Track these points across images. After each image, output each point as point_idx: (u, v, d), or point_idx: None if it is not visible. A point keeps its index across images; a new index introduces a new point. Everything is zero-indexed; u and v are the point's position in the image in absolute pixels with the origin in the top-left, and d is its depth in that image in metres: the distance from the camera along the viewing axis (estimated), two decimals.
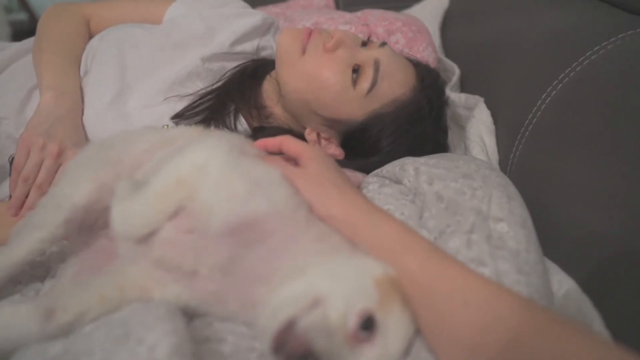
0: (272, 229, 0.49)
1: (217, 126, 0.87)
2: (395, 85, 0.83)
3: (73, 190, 0.57)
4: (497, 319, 0.41)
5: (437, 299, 0.45)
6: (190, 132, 0.67)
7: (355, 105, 0.83)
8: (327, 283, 0.45)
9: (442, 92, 0.92)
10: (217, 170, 0.50)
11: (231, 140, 0.59)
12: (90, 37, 0.99)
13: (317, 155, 0.59)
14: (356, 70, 0.81)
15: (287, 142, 0.61)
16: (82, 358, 0.39)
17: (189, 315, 0.52)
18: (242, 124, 0.90)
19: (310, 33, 0.84)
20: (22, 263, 0.55)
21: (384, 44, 0.85)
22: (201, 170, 0.50)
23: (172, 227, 0.50)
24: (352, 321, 0.43)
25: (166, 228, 0.50)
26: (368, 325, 0.43)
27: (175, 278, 0.51)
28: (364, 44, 0.85)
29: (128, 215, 0.50)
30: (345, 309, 0.43)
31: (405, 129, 0.84)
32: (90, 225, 0.61)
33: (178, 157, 0.52)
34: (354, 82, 0.81)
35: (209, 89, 0.89)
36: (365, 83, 0.81)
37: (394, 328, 0.45)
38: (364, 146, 0.85)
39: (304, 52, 0.83)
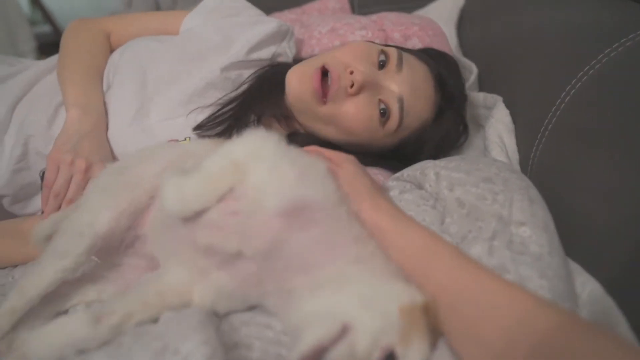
0: (317, 218, 0.51)
1: (239, 135, 0.88)
2: (420, 113, 0.86)
3: (93, 218, 0.59)
4: (525, 324, 0.41)
5: (465, 304, 0.45)
6: (208, 144, 0.69)
7: (385, 140, 0.87)
8: (358, 311, 0.46)
9: (460, 78, 0.94)
10: (271, 156, 0.54)
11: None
12: (111, 51, 1.01)
13: (354, 160, 0.63)
14: (383, 112, 0.82)
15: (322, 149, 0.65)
16: None
17: (219, 316, 0.54)
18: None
19: (319, 78, 0.82)
20: (44, 293, 0.56)
21: (400, 61, 0.84)
22: (255, 155, 0.53)
23: (218, 209, 0.53)
24: (375, 356, 0.44)
25: (212, 210, 0.53)
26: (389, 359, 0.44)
27: (218, 263, 0.53)
28: (382, 64, 0.84)
29: (181, 191, 0.52)
30: (371, 344, 0.44)
31: (430, 133, 0.87)
32: (116, 247, 0.63)
33: (232, 143, 0.56)
34: (382, 124, 0.83)
35: (228, 97, 0.91)
36: (392, 124, 0.84)
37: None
38: (389, 156, 0.90)
39: (324, 100, 0.82)
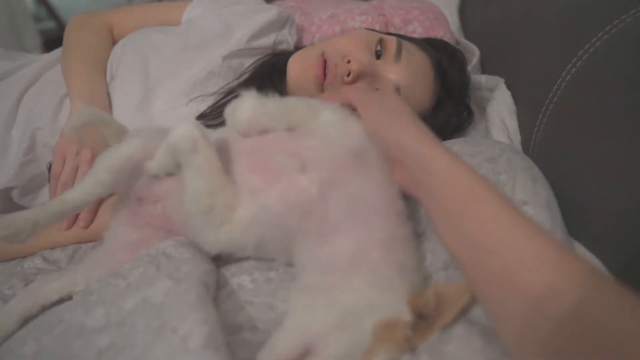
0: (372, 175, 0.54)
1: None
2: (418, 103, 0.85)
3: (121, 145, 0.61)
4: (569, 281, 0.39)
5: (508, 252, 0.42)
6: None
7: None
8: (331, 330, 0.44)
9: (462, 71, 0.93)
10: (340, 111, 0.59)
11: None
12: (114, 43, 1.02)
13: (397, 95, 0.67)
14: None
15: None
16: (126, 350, 0.42)
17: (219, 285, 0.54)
18: None
19: (322, 66, 0.82)
20: (79, 205, 0.59)
21: (399, 50, 0.83)
22: (326, 108, 0.58)
23: (289, 134, 0.57)
24: None
25: (280, 132, 0.57)
26: None
27: (270, 181, 0.54)
28: (379, 54, 0.83)
29: (259, 105, 0.56)
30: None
31: (430, 122, 0.86)
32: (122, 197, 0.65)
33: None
34: None
35: (230, 85, 0.91)
36: None
37: None
38: None
39: (321, 88, 0.83)
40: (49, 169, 0.83)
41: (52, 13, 2.55)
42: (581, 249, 0.58)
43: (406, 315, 0.45)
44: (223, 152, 0.56)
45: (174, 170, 0.53)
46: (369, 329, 0.44)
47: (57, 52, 1.05)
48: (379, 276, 0.48)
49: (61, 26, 2.55)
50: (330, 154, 0.55)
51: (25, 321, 0.56)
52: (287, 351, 0.43)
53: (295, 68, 0.86)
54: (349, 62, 0.80)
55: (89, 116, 0.69)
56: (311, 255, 0.50)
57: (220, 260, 0.59)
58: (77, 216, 0.79)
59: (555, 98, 0.76)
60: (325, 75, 0.82)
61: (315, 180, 0.52)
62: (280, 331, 0.45)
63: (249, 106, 0.56)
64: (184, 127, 0.52)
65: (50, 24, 2.60)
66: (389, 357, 0.45)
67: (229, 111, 0.58)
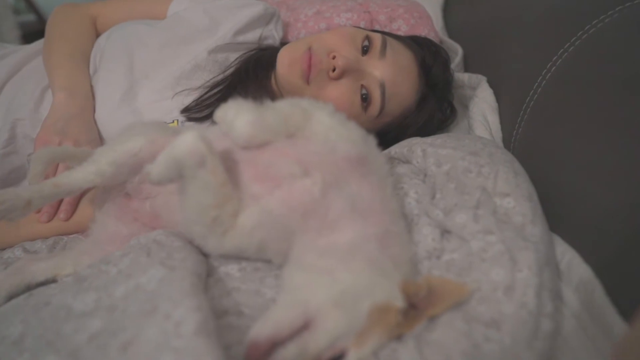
0: (370, 179, 0.55)
1: None
2: (402, 99, 0.86)
3: (126, 139, 0.61)
4: None
5: None
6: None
7: (367, 126, 0.87)
8: (329, 308, 0.45)
9: (446, 68, 0.94)
10: (333, 111, 0.60)
11: None
12: (97, 35, 1.01)
13: None
14: (364, 97, 0.83)
15: None
16: (118, 334, 0.41)
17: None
18: None
19: (309, 59, 0.83)
20: (73, 190, 0.59)
21: (383, 46, 0.84)
22: (319, 107, 0.59)
23: (287, 142, 0.57)
24: (325, 357, 0.44)
25: (281, 140, 0.57)
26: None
27: (272, 188, 0.54)
28: (365, 50, 0.84)
29: (258, 120, 0.55)
30: (326, 346, 0.44)
31: (413, 118, 0.88)
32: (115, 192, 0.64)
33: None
34: (364, 109, 0.84)
35: (216, 79, 0.91)
36: (374, 109, 0.84)
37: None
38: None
39: (307, 81, 0.83)
40: (30, 161, 0.82)
41: (31, 6, 2.50)
42: (561, 243, 0.59)
43: (399, 302, 0.46)
44: (225, 161, 0.55)
45: (175, 181, 0.52)
46: (365, 311, 0.45)
47: (38, 43, 1.03)
48: (376, 264, 0.49)
49: (41, 19, 2.50)
50: (332, 157, 0.55)
51: (10, 298, 0.56)
52: (287, 322, 0.44)
53: (284, 61, 0.86)
54: (334, 57, 0.81)
55: (50, 156, 0.67)
56: (310, 243, 0.51)
57: None
58: (57, 208, 0.78)
59: (536, 96, 0.77)
60: (310, 69, 0.82)
61: (318, 181, 0.53)
62: (278, 304, 0.45)
63: (248, 121, 0.55)
64: (190, 141, 0.50)
65: (29, 17, 2.55)
66: (380, 341, 0.46)
67: (223, 119, 0.56)
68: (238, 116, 0.55)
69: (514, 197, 0.59)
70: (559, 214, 0.63)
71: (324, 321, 0.44)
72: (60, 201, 0.78)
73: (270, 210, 0.52)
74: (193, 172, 0.50)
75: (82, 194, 0.78)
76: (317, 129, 0.57)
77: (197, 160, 0.50)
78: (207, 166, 0.50)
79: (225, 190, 0.51)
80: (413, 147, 0.73)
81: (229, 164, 0.56)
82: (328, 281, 0.47)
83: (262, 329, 0.43)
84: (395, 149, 0.77)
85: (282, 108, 0.58)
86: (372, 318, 0.45)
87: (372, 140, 0.61)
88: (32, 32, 2.09)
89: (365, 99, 0.83)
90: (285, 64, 0.85)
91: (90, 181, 0.59)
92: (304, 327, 0.44)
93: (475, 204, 0.59)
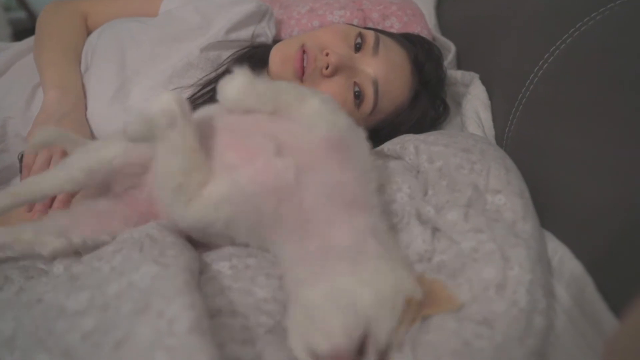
0: (353, 164, 0.55)
1: None
2: (395, 97, 0.86)
3: (102, 146, 0.61)
4: None
5: None
6: None
7: (360, 123, 0.86)
8: (374, 308, 0.44)
9: (439, 66, 0.94)
10: (327, 99, 0.59)
11: None
12: (88, 33, 1.00)
13: None
14: (357, 95, 0.83)
15: None
16: (110, 332, 0.41)
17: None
18: None
19: (302, 57, 0.83)
20: (48, 193, 0.60)
21: (376, 44, 0.85)
22: (315, 93, 0.58)
23: (271, 117, 0.56)
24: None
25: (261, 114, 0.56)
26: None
27: (245, 160, 0.53)
28: (358, 47, 0.84)
29: (249, 85, 0.55)
30: (384, 344, 0.44)
31: (406, 116, 0.88)
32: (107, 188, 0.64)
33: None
34: (357, 106, 0.84)
35: (208, 77, 0.91)
36: (367, 107, 0.84)
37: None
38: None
39: (301, 79, 0.83)
40: (21, 160, 0.81)
41: (22, 3, 2.48)
42: (553, 239, 0.60)
43: (418, 294, 0.47)
44: (203, 127, 0.56)
45: (149, 140, 0.52)
46: (400, 307, 0.45)
47: (29, 41, 1.03)
48: (386, 258, 0.49)
49: (31, 16, 2.48)
50: (309, 139, 0.55)
51: None
52: (348, 333, 0.42)
53: (277, 59, 0.86)
54: (327, 54, 0.81)
55: (51, 135, 0.67)
56: (301, 252, 0.50)
57: (200, 247, 0.59)
58: (50, 207, 0.77)
59: (528, 93, 0.78)
60: (303, 68, 0.82)
61: (289, 165, 0.52)
62: (327, 313, 0.44)
63: (238, 84, 0.55)
64: (164, 100, 0.50)
65: (20, 14, 2.53)
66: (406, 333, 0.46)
67: (220, 85, 0.57)
68: (232, 80, 0.55)
69: (505, 193, 0.59)
70: (551, 210, 0.63)
71: (377, 326, 0.44)
72: (53, 199, 0.77)
73: (242, 186, 0.51)
74: (163, 132, 0.50)
75: (74, 195, 0.77)
76: (305, 111, 0.57)
77: (168, 120, 0.50)
78: (177, 127, 0.50)
79: (195, 156, 0.51)
80: (405, 143, 0.73)
81: (208, 129, 0.56)
82: (357, 284, 0.46)
83: (338, 337, 0.42)
84: (388, 146, 0.78)
85: (279, 83, 0.59)
86: (403, 312, 0.45)
87: (360, 132, 0.61)
88: (23, 30, 2.07)
89: (358, 96, 0.83)
90: (278, 62, 0.85)
91: (59, 187, 0.59)
92: (364, 336, 0.43)
93: (467, 202, 0.59)
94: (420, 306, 0.47)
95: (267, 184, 0.51)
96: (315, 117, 0.57)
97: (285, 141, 0.54)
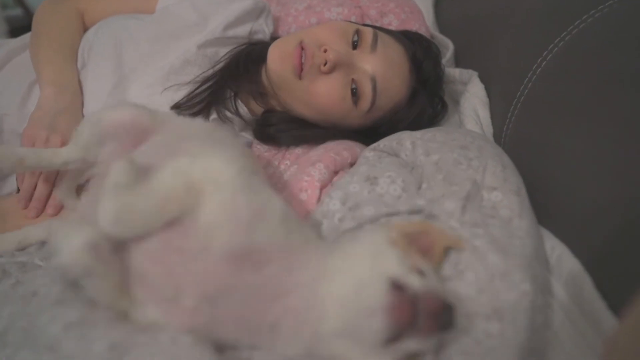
0: (271, 257, 0.47)
1: (218, 111, 0.88)
2: (393, 94, 0.86)
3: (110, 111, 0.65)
4: None
5: None
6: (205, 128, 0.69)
7: (358, 120, 0.88)
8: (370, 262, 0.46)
9: (437, 63, 0.94)
10: (229, 186, 0.47)
11: (244, 156, 0.61)
12: (85, 30, 1.00)
13: None
14: (355, 92, 0.83)
15: None
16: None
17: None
18: (242, 107, 0.92)
19: (300, 54, 0.82)
20: (68, 163, 0.65)
21: (374, 41, 0.84)
22: (212, 180, 0.47)
23: (162, 239, 0.46)
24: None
25: (154, 238, 0.46)
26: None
27: (157, 299, 0.47)
28: (356, 44, 0.84)
29: (125, 211, 0.44)
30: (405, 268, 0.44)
31: (404, 113, 0.88)
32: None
33: (190, 160, 0.49)
34: (355, 103, 0.84)
35: (205, 74, 0.90)
36: (365, 104, 0.84)
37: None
38: (364, 133, 0.90)
39: (299, 76, 0.83)
40: None
41: (19, 0, 2.47)
42: (551, 237, 0.60)
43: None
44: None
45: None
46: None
47: (24, 38, 1.02)
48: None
49: (28, 13, 2.46)
50: (206, 266, 0.46)
51: None
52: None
53: (275, 56, 0.86)
54: (325, 51, 0.81)
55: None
56: None
57: None
58: (45, 204, 0.77)
59: (527, 90, 0.78)
60: (302, 64, 0.82)
61: (188, 307, 0.46)
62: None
63: (108, 215, 0.43)
64: (73, 249, 0.42)
65: (16, 11, 2.51)
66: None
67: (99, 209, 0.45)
68: (103, 207, 0.44)
69: (501, 190, 0.59)
70: (550, 208, 0.63)
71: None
72: (48, 197, 0.77)
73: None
74: (81, 280, 0.44)
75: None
76: (201, 220, 0.46)
77: (82, 271, 0.43)
78: (94, 274, 0.43)
79: (121, 290, 0.46)
80: (402, 140, 0.73)
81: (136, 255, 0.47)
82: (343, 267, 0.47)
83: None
84: (383, 142, 0.77)
85: (159, 190, 0.46)
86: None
87: (274, 208, 0.50)
88: (19, 27, 2.05)
89: (356, 94, 0.83)
90: (277, 59, 0.85)
91: (77, 154, 0.63)
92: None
93: (466, 195, 0.59)
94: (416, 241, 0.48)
95: (187, 325, 0.46)
96: (210, 230, 0.46)
97: (183, 277, 0.46)
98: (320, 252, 0.50)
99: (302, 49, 0.82)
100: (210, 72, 0.91)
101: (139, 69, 0.90)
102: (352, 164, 0.79)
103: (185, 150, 0.54)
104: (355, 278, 0.45)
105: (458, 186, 0.60)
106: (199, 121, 0.73)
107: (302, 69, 0.82)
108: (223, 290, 0.46)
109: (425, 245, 0.49)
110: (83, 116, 0.86)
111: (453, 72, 1.06)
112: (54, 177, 0.76)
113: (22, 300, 0.46)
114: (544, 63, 0.75)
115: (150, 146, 0.61)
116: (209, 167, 0.48)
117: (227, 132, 0.74)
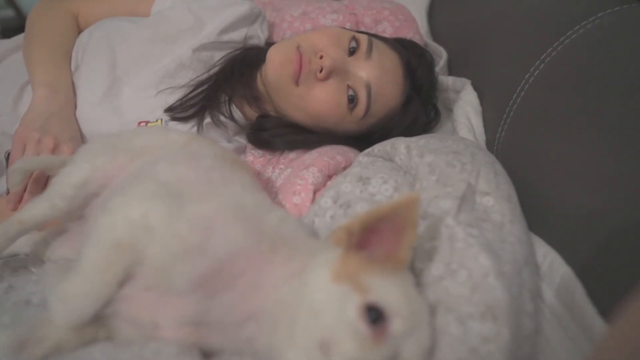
0: (239, 270, 0.45)
1: (212, 115, 0.88)
2: (388, 100, 0.87)
3: (73, 169, 0.61)
4: None
5: None
6: (176, 139, 0.68)
7: (352, 126, 0.88)
8: (319, 319, 0.40)
9: (431, 71, 0.95)
10: (160, 223, 0.45)
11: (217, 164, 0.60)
12: (79, 32, 0.99)
13: None
14: (352, 99, 0.83)
15: None
16: None
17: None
18: (236, 112, 0.92)
19: (300, 60, 0.82)
20: (30, 228, 0.59)
21: (369, 48, 0.85)
22: (140, 227, 0.45)
23: (131, 285, 0.45)
24: (363, 327, 0.39)
25: (125, 286, 0.45)
26: (373, 315, 0.40)
27: (136, 332, 0.47)
28: (352, 51, 0.85)
29: (69, 298, 0.43)
30: (349, 332, 0.39)
31: (398, 120, 0.88)
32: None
33: (108, 215, 0.47)
34: (350, 109, 0.84)
35: (200, 79, 0.90)
36: (360, 110, 0.85)
37: (390, 291, 0.42)
38: (358, 139, 0.90)
39: (296, 82, 0.83)
40: (7, 158, 0.80)
41: (10, 1, 2.45)
42: (543, 244, 0.60)
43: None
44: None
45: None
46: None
47: (17, 39, 1.02)
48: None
49: (20, 15, 2.45)
50: (175, 297, 0.46)
51: None
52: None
53: (275, 60, 0.86)
54: (321, 57, 0.81)
55: (26, 166, 0.68)
56: None
57: None
58: None
59: (519, 99, 0.78)
60: (301, 70, 0.82)
61: (174, 328, 0.46)
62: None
63: (59, 312, 0.44)
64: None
65: (8, 12, 2.49)
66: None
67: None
68: (51, 305, 0.44)
69: (493, 196, 0.59)
70: (541, 216, 0.64)
71: (327, 321, 0.41)
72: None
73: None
74: None
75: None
76: (151, 261, 0.45)
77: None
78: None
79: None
80: (396, 144, 0.73)
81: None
82: (298, 315, 0.42)
83: None
84: (378, 147, 0.77)
85: (93, 265, 0.45)
86: (341, 275, 0.42)
87: (224, 215, 0.48)
88: (12, 29, 2.04)
89: (352, 100, 0.83)
90: (277, 64, 0.85)
91: (49, 215, 0.59)
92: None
93: (461, 195, 0.58)
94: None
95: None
96: (164, 268, 0.45)
97: (160, 307, 0.47)
98: (304, 250, 0.48)
99: (300, 54, 0.83)
100: (205, 76, 0.91)
101: (133, 71, 0.89)
102: (345, 169, 0.79)
103: (109, 204, 0.50)
104: (301, 324, 0.41)
105: (452, 187, 0.60)
106: (175, 134, 0.69)
107: (300, 75, 0.82)
108: (199, 314, 0.45)
109: (398, 225, 0.45)
110: (76, 118, 0.85)
111: (446, 80, 1.06)
112: (44, 179, 0.75)
113: (15, 307, 0.45)
114: (536, 72, 0.76)
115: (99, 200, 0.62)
116: (129, 212, 0.46)
117: (205, 141, 0.73)
